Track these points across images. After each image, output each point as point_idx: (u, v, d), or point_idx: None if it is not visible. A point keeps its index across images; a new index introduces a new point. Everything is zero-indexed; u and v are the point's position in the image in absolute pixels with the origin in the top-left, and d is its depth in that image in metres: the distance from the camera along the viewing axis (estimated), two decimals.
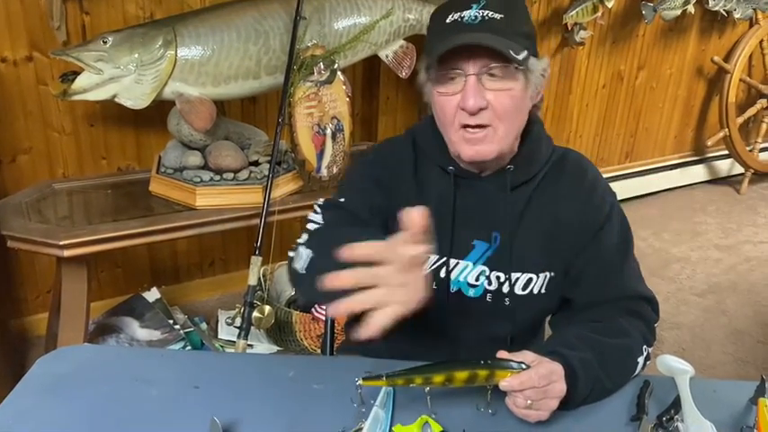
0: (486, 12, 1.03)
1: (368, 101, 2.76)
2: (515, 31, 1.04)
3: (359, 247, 0.79)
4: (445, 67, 1.04)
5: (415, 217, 0.78)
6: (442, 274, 1.16)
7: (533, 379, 0.93)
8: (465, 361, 0.96)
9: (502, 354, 0.97)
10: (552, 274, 1.16)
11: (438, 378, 0.93)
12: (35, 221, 1.84)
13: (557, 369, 0.96)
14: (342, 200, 1.15)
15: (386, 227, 1.14)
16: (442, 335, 1.18)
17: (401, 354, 1.05)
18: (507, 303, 1.15)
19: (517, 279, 1.15)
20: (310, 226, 1.10)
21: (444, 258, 1.15)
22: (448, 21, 1.05)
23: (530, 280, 1.15)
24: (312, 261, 0.98)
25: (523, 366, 0.94)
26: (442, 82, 1.06)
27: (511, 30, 1.03)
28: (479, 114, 1.04)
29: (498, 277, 1.15)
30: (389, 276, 0.79)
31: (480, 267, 1.15)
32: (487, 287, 1.15)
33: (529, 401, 0.93)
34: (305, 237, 1.06)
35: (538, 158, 1.16)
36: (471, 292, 1.16)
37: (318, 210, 1.14)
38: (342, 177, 1.23)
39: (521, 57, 1.02)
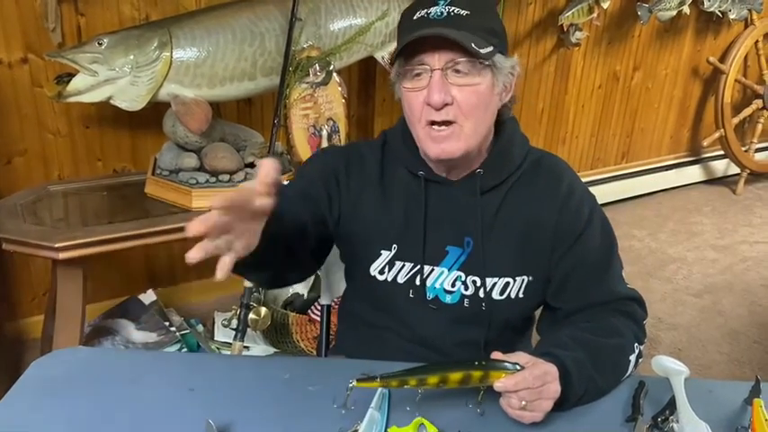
0: (452, 8, 1.03)
1: (364, 102, 2.76)
2: (481, 26, 1.04)
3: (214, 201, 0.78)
4: (411, 62, 1.05)
5: (267, 166, 0.79)
6: (417, 281, 1.15)
7: (528, 380, 0.93)
8: (459, 362, 0.96)
9: (496, 354, 0.97)
10: (530, 278, 1.15)
11: (432, 379, 0.93)
12: (30, 224, 1.84)
13: (551, 370, 0.96)
14: (286, 182, 1.17)
15: (322, 221, 1.15)
16: (420, 341, 1.17)
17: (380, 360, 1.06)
18: (484, 308, 1.14)
19: (494, 284, 1.14)
20: None
21: (418, 266, 1.14)
22: (415, 18, 1.06)
23: (507, 284, 1.14)
24: None
25: (518, 367, 0.94)
26: (408, 77, 1.06)
27: (477, 25, 1.04)
28: (444, 110, 1.04)
29: (475, 282, 1.14)
30: (235, 225, 0.79)
31: (456, 273, 1.14)
32: (464, 292, 1.15)
33: (523, 402, 0.93)
34: None
35: (509, 161, 1.15)
36: (448, 299, 1.15)
37: None
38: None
39: (484, 51, 1.02)
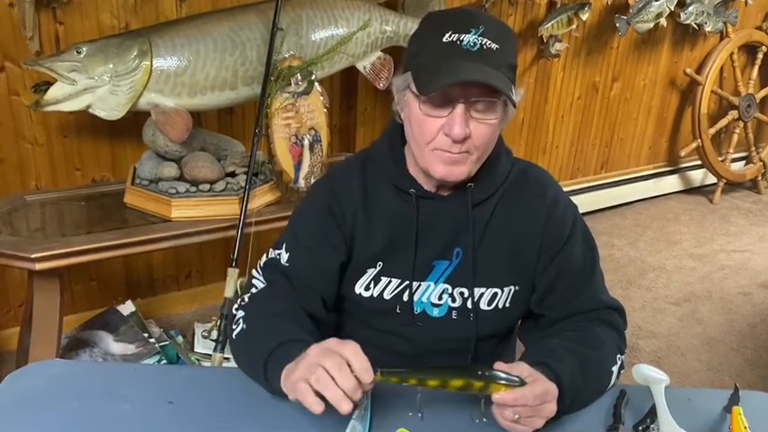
0: (485, 40, 1.00)
1: (346, 112, 2.76)
2: (506, 62, 1.03)
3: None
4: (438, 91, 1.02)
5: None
6: (405, 297, 1.15)
7: (527, 397, 0.92)
8: (462, 368, 0.96)
9: (499, 365, 0.96)
10: (517, 287, 1.16)
11: (432, 382, 0.92)
12: (6, 234, 1.80)
13: (551, 390, 0.95)
14: (286, 263, 1.14)
15: (344, 269, 1.15)
16: (408, 355, 1.18)
17: None
18: (472, 318, 1.15)
19: (482, 294, 1.14)
20: (252, 290, 1.13)
21: (407, 281, 1.15)
22: (445, 40, 1.01)
23: (495, 294, 1.15)
24: (242, 334, 1.06)
25: (518, 381, 0.94)
26: (427, 102, 1.03)
27: (503, 62, 1.03)
28: (462, 142, 1.03)
29: (462, 293, 1.15)
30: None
31: (442, 285, 1.15)
32: (452, 304, 1.15)
33: (516, 416, 0.93)
34: (245, 300, 1.12)
35: (498, 174, 1.16)
36: (436, 312, 1.16)
37: (260, 272, 1.16)
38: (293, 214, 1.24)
39: (516, 98, 1.03)
